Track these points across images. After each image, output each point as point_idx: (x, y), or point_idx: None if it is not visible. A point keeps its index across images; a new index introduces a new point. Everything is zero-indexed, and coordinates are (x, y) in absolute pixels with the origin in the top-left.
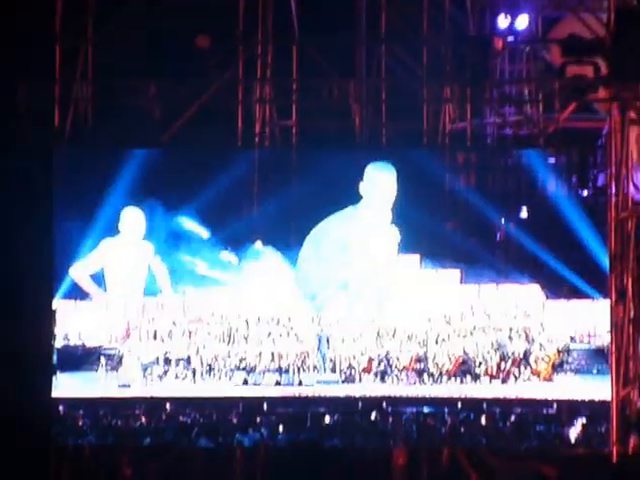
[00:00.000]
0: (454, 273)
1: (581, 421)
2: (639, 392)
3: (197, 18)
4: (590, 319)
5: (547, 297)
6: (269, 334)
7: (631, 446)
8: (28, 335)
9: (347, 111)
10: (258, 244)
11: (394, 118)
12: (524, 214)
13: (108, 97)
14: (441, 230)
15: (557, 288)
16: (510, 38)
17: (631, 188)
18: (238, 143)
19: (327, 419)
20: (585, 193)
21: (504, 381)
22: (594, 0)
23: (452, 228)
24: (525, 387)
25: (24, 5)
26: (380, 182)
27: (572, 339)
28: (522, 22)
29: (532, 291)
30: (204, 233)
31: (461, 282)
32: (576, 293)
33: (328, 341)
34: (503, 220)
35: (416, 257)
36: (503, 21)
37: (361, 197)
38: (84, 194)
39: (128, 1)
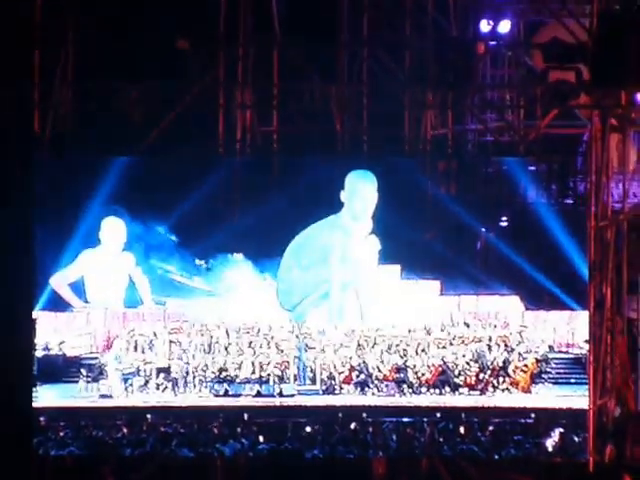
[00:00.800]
0: (434, 284)
1: (558, 430)
2: (616, 402)
3: (178, 21)
4: (569, 329)
5: (526, 308)
6: (250, 344)
7: (608, 455)
8: (8, 345)
9: (329, 116)
10: (237, 255)
11: (376, 124)
12: (504, 222)
13: (89, 101)
14: (421, 239)
15: (536, 299)
16: (492, 42)
17: (611, 196)
18: (219, 150)
19: (308, 429)
20: (566, 201)
21: (483, 391)
22: (577, 5)
23: (432, 237)
24: (504, 397)
25: (2, 8)
26: (361, 191)
27: (551, 349)
28: (505, 27)
29: (512, 302)
30: (184, 242)
31: (441, 293)
32: (555, 304)
33: (307, 351)
34: (483, 229)
35: (397, 268)
36: (486, 26)
37: (342, 205)
38: (65, 201)
39: (108, 5)
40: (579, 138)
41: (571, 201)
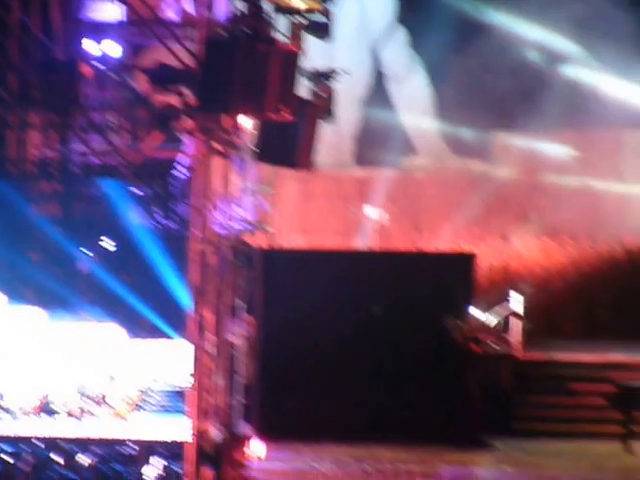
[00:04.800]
0: (40, 312)
1: (160, 460)
2: (217, 426)
3: None
4: (171, 359)
5: (128, 336)
6: None
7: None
8: None
9: None
10: None
11: None
12: (108, 246)
13: None
14: (25, 265)
15: (139, 327)
16: (98, 64)
17: (215, 220)
18: None
19: None
20: (171, 225)
21: (83, 420)
22: (183, 30)
23: (36, 260)
24: (104, 427)
25: None
26: None
27: (152, 379)
28: (110, 49)
29: (113, 330)
30: None
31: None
32: (157, 332)
33: None
34: (87, 252)
35: (3, 297)
36: (92, 47)
37: None
38: None
39: None
40: (181, 162)
41: (176, 225)
